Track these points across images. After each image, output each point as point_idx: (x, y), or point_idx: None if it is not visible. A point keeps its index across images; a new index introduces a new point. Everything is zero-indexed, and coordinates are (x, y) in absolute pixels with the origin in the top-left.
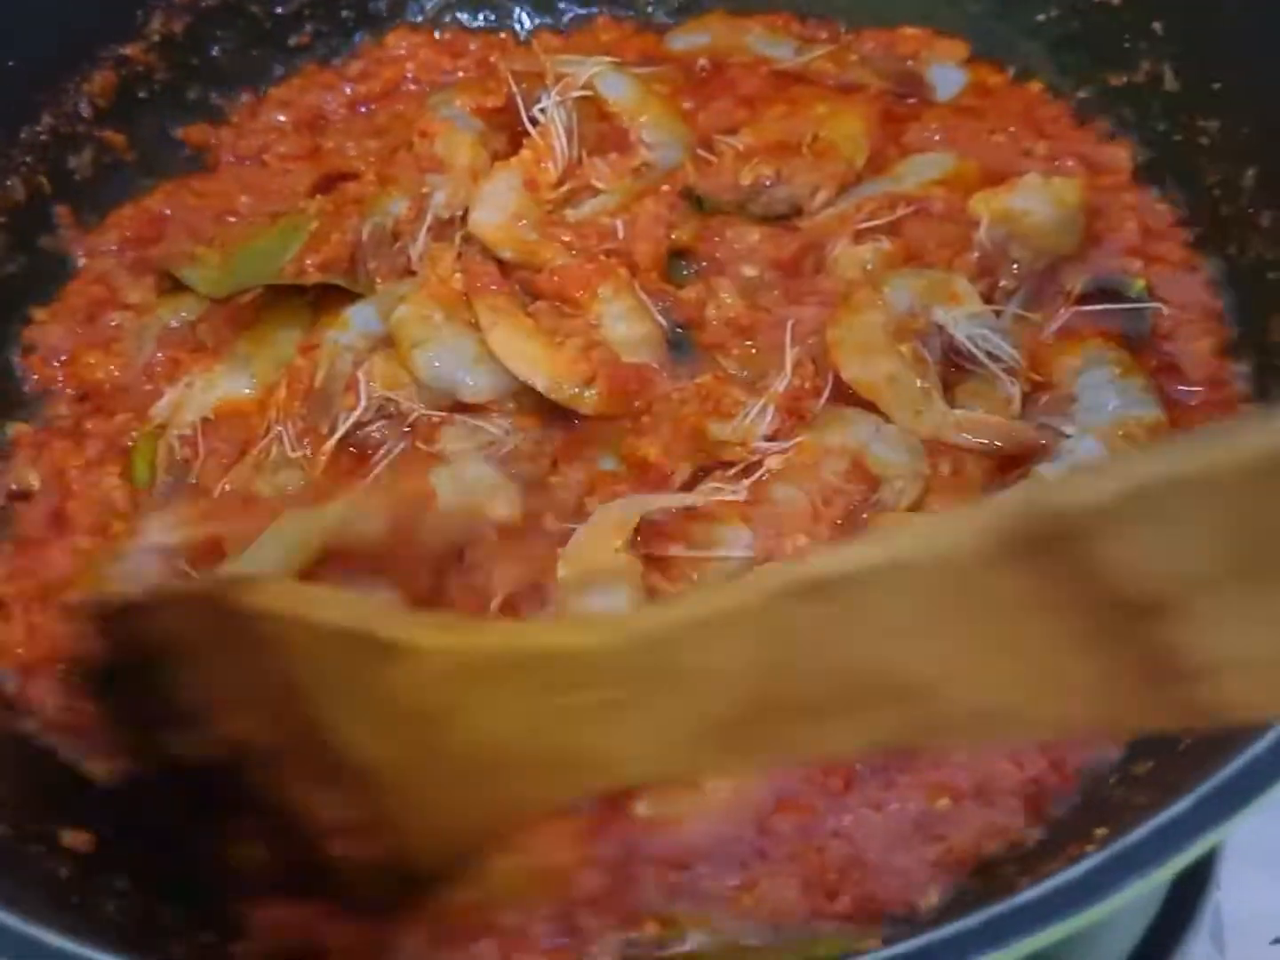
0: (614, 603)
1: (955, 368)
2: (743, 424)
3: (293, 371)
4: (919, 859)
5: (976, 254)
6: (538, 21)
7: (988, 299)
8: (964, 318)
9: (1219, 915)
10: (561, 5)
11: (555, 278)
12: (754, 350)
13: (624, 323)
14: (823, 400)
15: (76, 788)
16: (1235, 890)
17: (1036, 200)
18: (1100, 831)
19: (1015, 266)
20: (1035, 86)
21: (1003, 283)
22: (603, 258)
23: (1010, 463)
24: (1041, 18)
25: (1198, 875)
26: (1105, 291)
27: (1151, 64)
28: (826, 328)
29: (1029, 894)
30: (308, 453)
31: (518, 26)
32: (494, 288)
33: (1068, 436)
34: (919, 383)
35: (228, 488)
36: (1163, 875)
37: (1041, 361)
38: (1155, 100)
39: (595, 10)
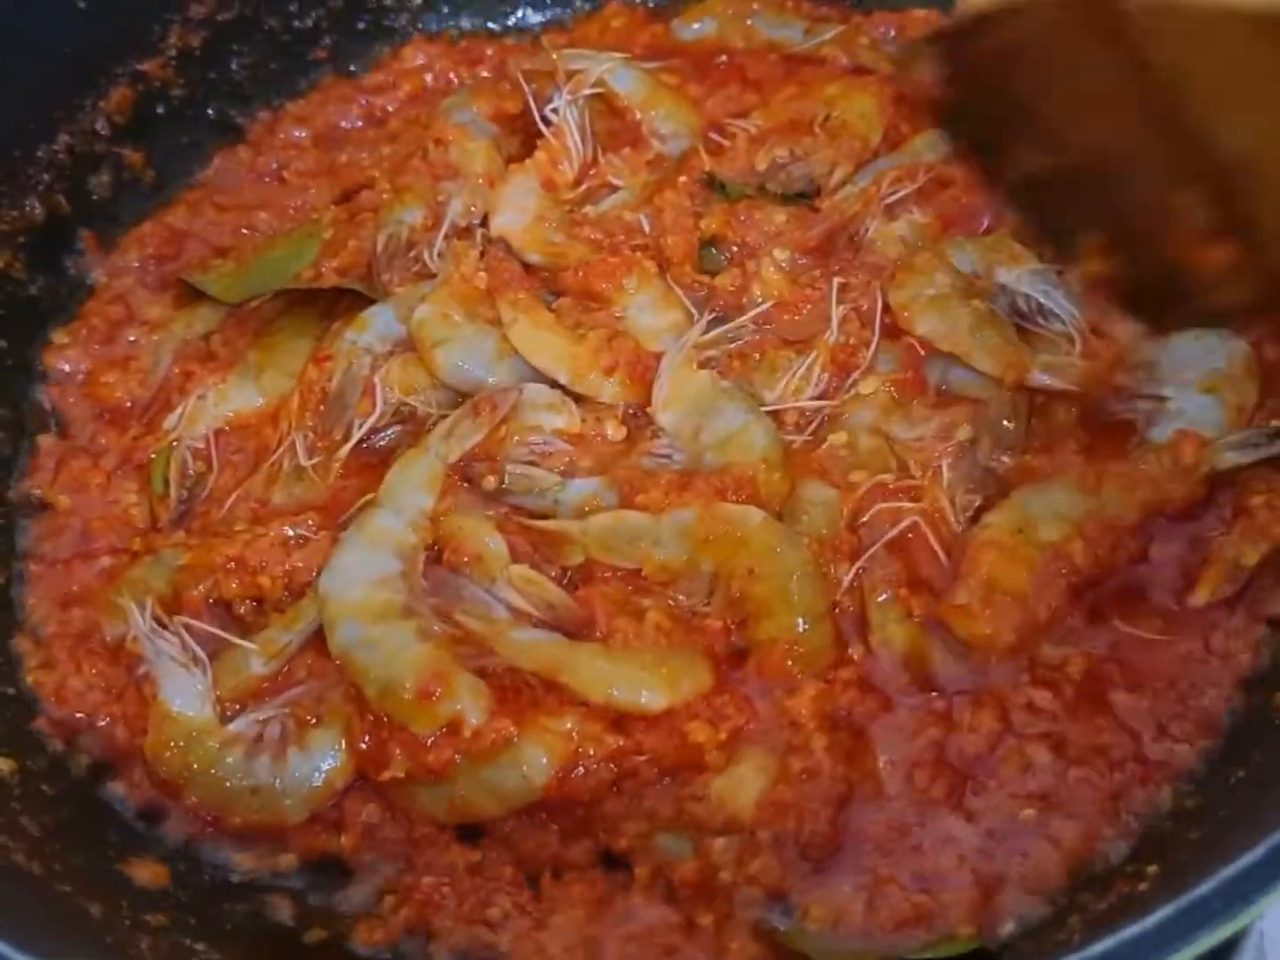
0: None
1: (1019, 328)
2: (791, 380)
3: (305, 382)
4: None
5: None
6: (550, 15)
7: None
8: (1026, 276)
9: (1262, 942)
10: None
11: (580, 274)
12: (798, 319)
13: (649, 312)
14: (872, 351)
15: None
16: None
17: None
18: (1151, 869)
19: None
20: None
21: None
22: (628, 251)
23: (1098, 424)
24: None
25: None
26: None
27: None
28: (886, 290)
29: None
30: (322, 460)
31: (529, 22)
32: (516, 284)
33: (1167, 399)
34: (1002, 330)
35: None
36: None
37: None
38: None
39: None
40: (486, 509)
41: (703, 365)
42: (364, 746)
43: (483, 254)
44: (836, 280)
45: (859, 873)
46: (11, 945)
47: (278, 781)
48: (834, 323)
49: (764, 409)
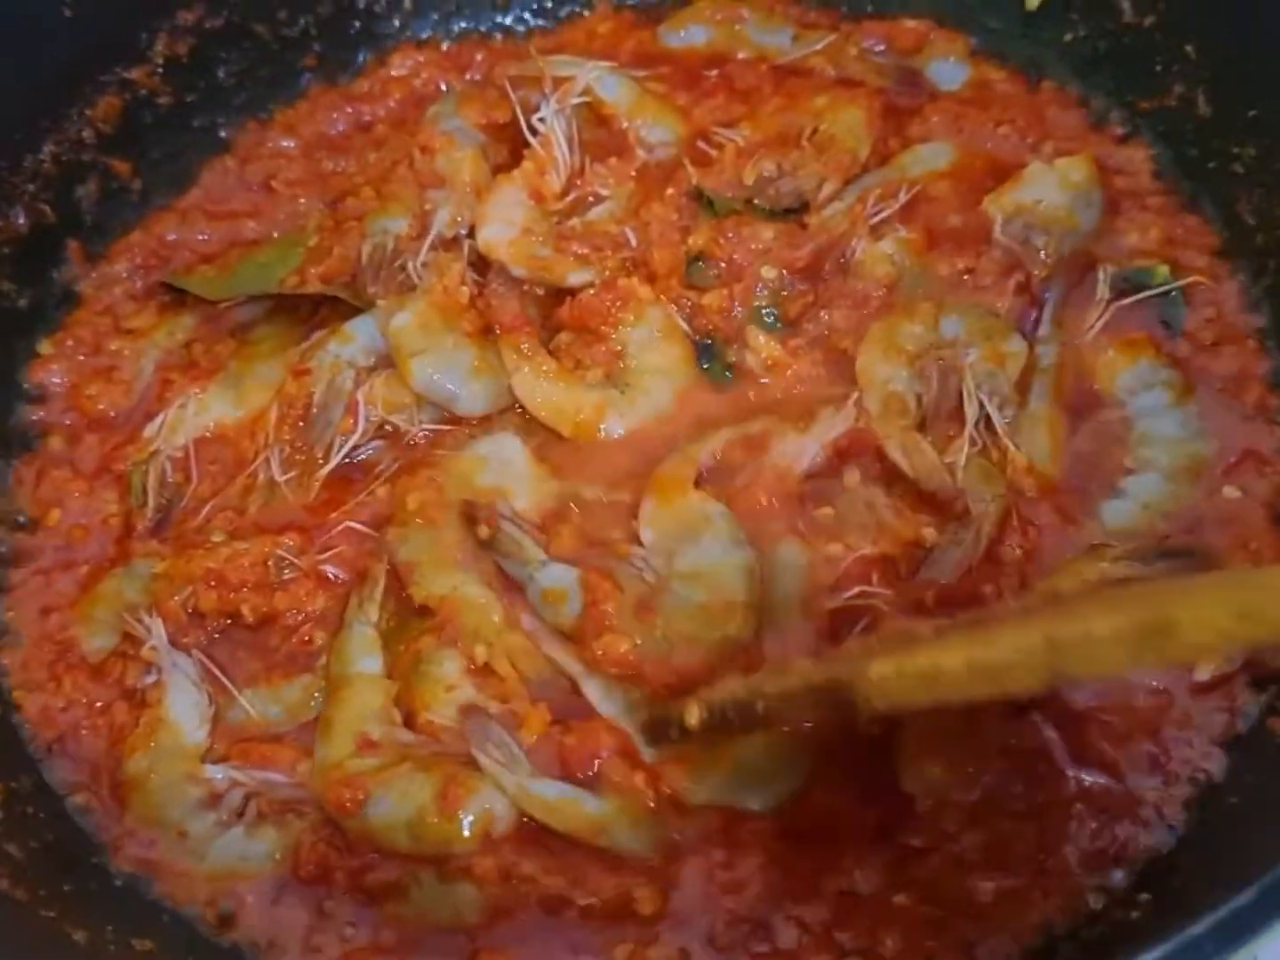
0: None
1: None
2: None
3: (283, 396)
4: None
5: (998, 252)
6: (538, 20)
7: (1024, 290)
8: (985, 377)
9: None
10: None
11: (574, 311)
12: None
13: (653, 351)
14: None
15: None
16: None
17: (1044, 187)
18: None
19: (1043, 254)
20: (1046, 85)
21: (1035, 271)
22: (621, 281)
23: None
24: (1069, 37)
25: None
26: (1136, 287)
27: (1184, 88)
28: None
29: None
30: (298, 475)
31: (517, 27)
32: (524, 329)
33: (1130, 472)
34: (910, 400)
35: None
36: None
37: (1087, 368)
38: (1188, 125)
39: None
40: (479, 556)
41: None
42: (305, 872)
43: (474, 266)
44: (825, 314)
45: None
46: None
47: (208, 843)
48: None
49: None
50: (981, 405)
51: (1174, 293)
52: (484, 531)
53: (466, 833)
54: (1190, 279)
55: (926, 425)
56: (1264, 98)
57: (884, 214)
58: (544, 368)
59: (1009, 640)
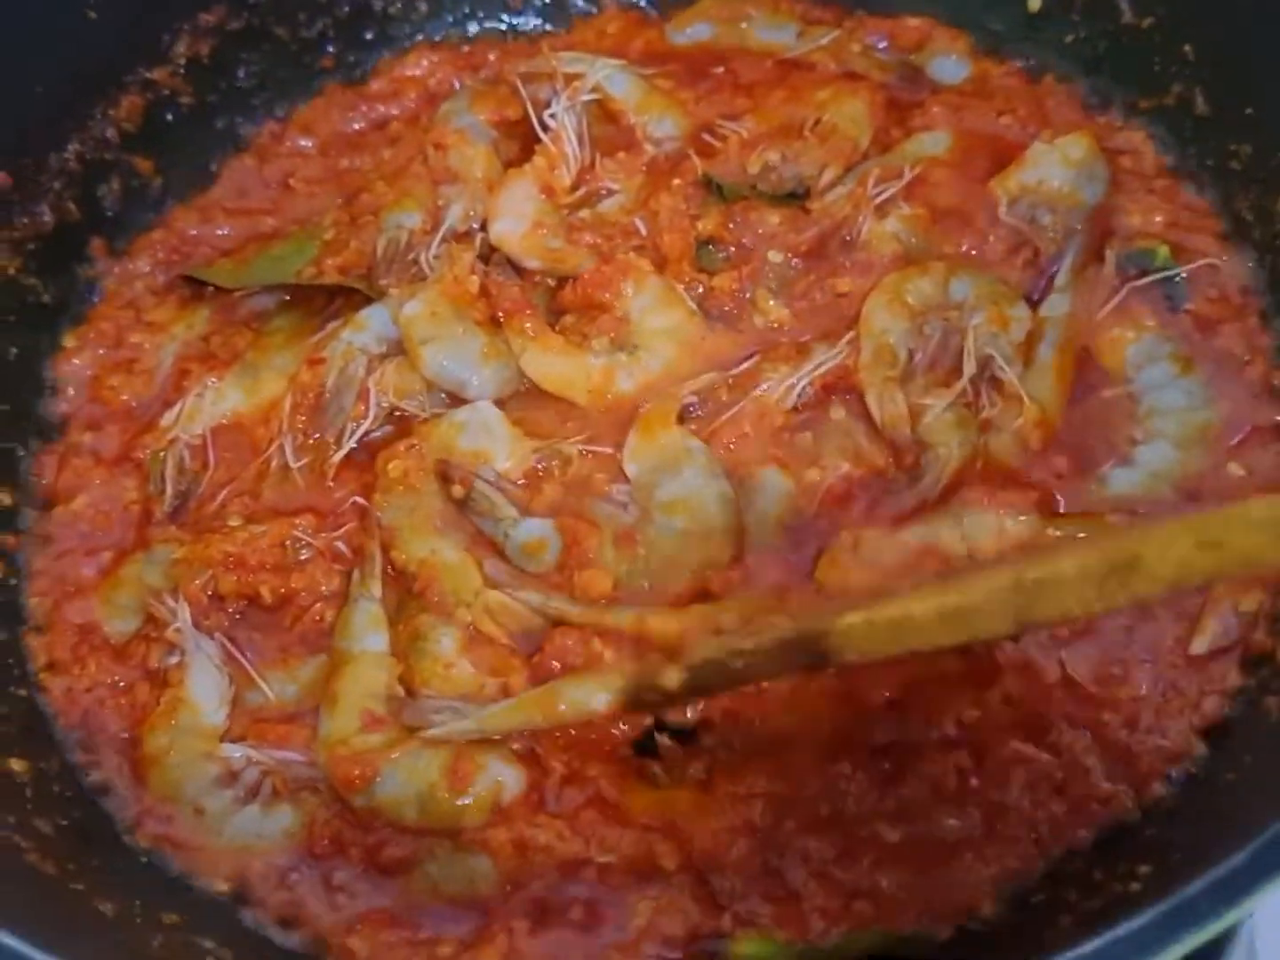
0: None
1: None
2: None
3: (298, 384)
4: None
5: (1004, 231)
6: (549, 19)
7: (1031, 266)
8: (989, 339)
9: (1253, 936)
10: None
11: (578, 288)
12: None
13: (653, 314)
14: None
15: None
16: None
17: (1047, 167)
18: (1144, 869)
19: (1050, 231)
20: (1047, 80)
21: (1043, 248)
22: (620, 255)
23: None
24: (1070, 38)
25: None
26: (1139, 268)
27: (1182, 87)
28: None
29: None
30: (311, 461)
31: (529, 26)
32: (526, 311)
33: (1139, 443)
34: (901, 353)
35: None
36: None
37: (1094, 347)
38: (1186, 123)
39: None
40: (459, 522)
41: (685, 411)
42: (319, 848)
43: (485, 259)
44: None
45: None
46: (29, 943)
47: (225, 819)
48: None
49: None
50: (983, 366)
51: (1176, 276)
52: (458, 491)
53: (477, 808)
54: (1196, 264)
55: (914, 378)
56: (1259, 97)
57: (887, 193)
58: (550, 344)
59: (978, 585)
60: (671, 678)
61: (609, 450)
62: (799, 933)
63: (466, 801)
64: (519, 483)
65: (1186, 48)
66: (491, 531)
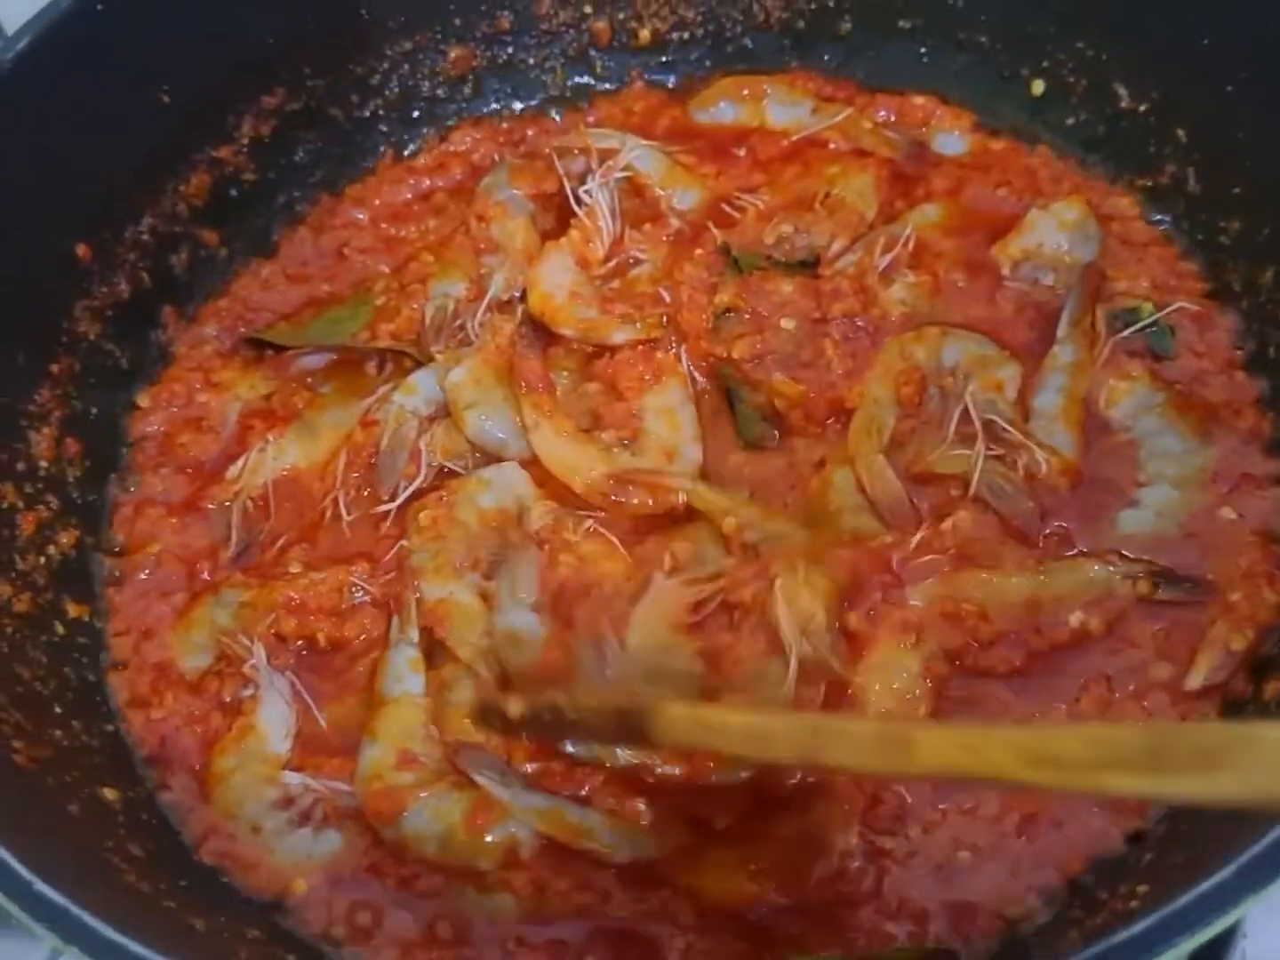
0: None
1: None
2: None
3: (352, 444)
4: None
5: (1010, 293)
6: (582, 95)
7: (1038, 324)
8: (986, 404)
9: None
10: (600, 71)
11: (609, 370)
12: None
13: (664, 423)
14: None
15: None
16: (1261, 937)
17: (1043, 231)
18: (1142, 889)
19: (1058, 289)
20: (1041, 150)
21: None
22: (659, 355)
23: None
24: (1070, 121)
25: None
26: (1127, 324)
27: (1176, 167)
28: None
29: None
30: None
31: (564, 106)
32: (543, 388)
33: (1142, 485)
34: (887, 422)
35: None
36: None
37: (1092, 399)
38: (1179, 200)
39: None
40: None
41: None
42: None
43: (519, 327)
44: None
45: None
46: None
47: (279, 839)
48: None
49: None
50: (988, 429)
51: (1162, 325)
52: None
53: (491, 852)
54: (1176, 304)
55: (908, 445)
56: (1247, 178)
57: (888, 260)
58: (561, 427)
59: (786, 718)
60: (515, 707)
61: (616, 540)
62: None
63: (482, 846)
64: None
65: (1180, 131)
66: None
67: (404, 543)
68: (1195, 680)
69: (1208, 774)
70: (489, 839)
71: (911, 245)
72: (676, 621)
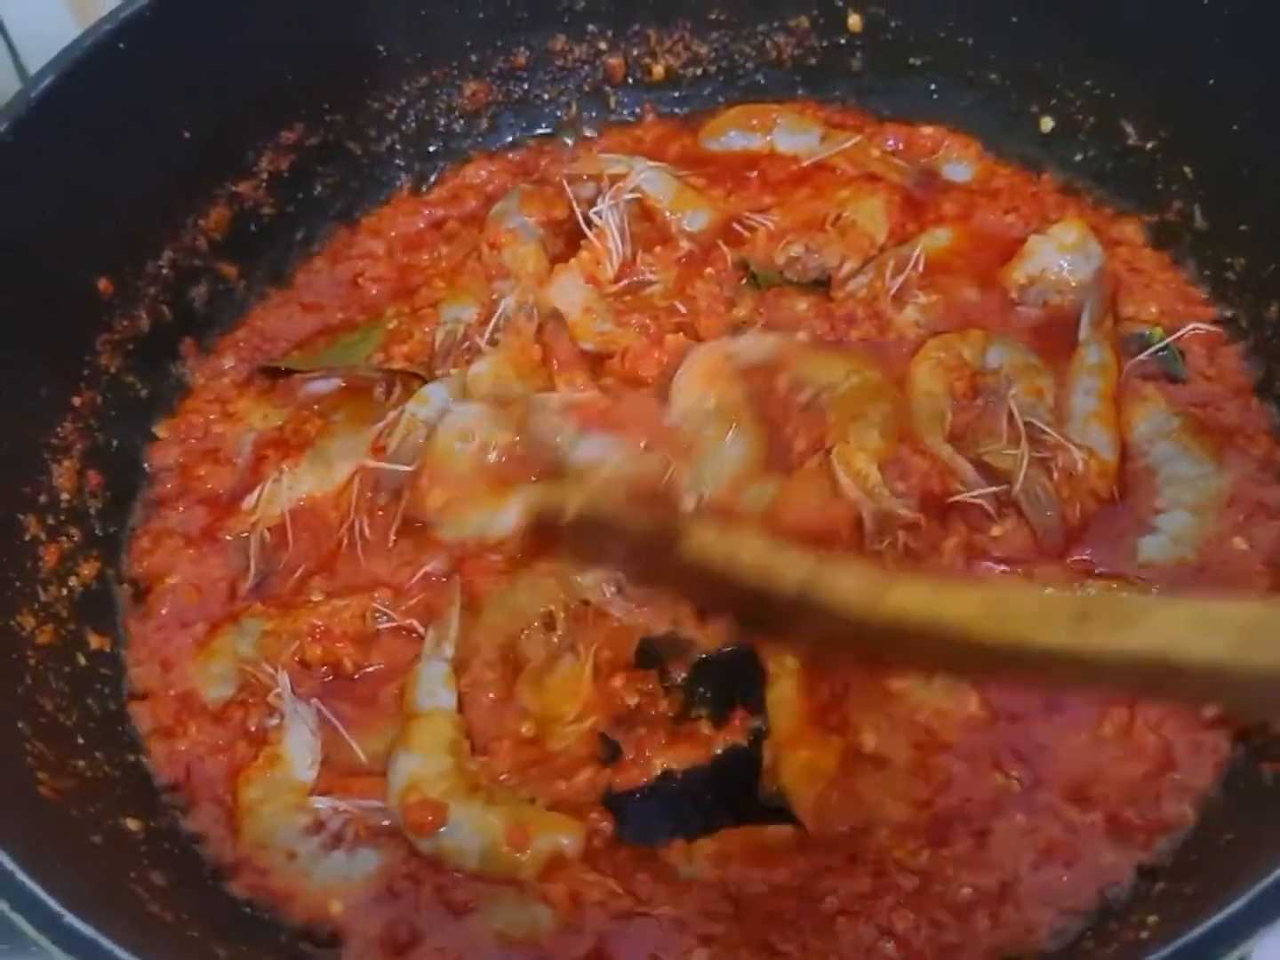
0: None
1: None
2: None
3: (364, 473)
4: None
5: (1020, 314)
6: (592, 132)
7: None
8: (1028, 407)
9: None
10: (614, 106)
11: (624, 363)
12: None
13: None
14: None
15: None
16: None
17: (1044, 255)
18: (1152, 919)
19: (1064, 308)
20: (1046, 178)
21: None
22: (669, 337)
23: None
24: (1079, 156)
25: None
26: (1139, 349)
27: (1183, 204)
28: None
29: None
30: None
31: (577, 136)
32: (575, 366)
33: (1161, 511)
34: (948, 413)
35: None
36: None
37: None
38: (1186, 237)
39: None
40: None
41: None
42: (398, 885)
43: (539, 328)
44: None
45: None
46: None
47: (315, 863)
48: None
49: None
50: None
51: (1173, 350)
52: None
53: (533, 862)
54: (1190, 327)
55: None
56: (1252, 214)
57: (900, 280)
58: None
59: (796, 554)
60: (574, 504)
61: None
62: None
63: (525, 858)
64: None
65: (1186, 168)
66: None
67: (428, 568)
68: (1210, 709)
69: (1121, 630)
70: (532, 850)
71: (921, 267)
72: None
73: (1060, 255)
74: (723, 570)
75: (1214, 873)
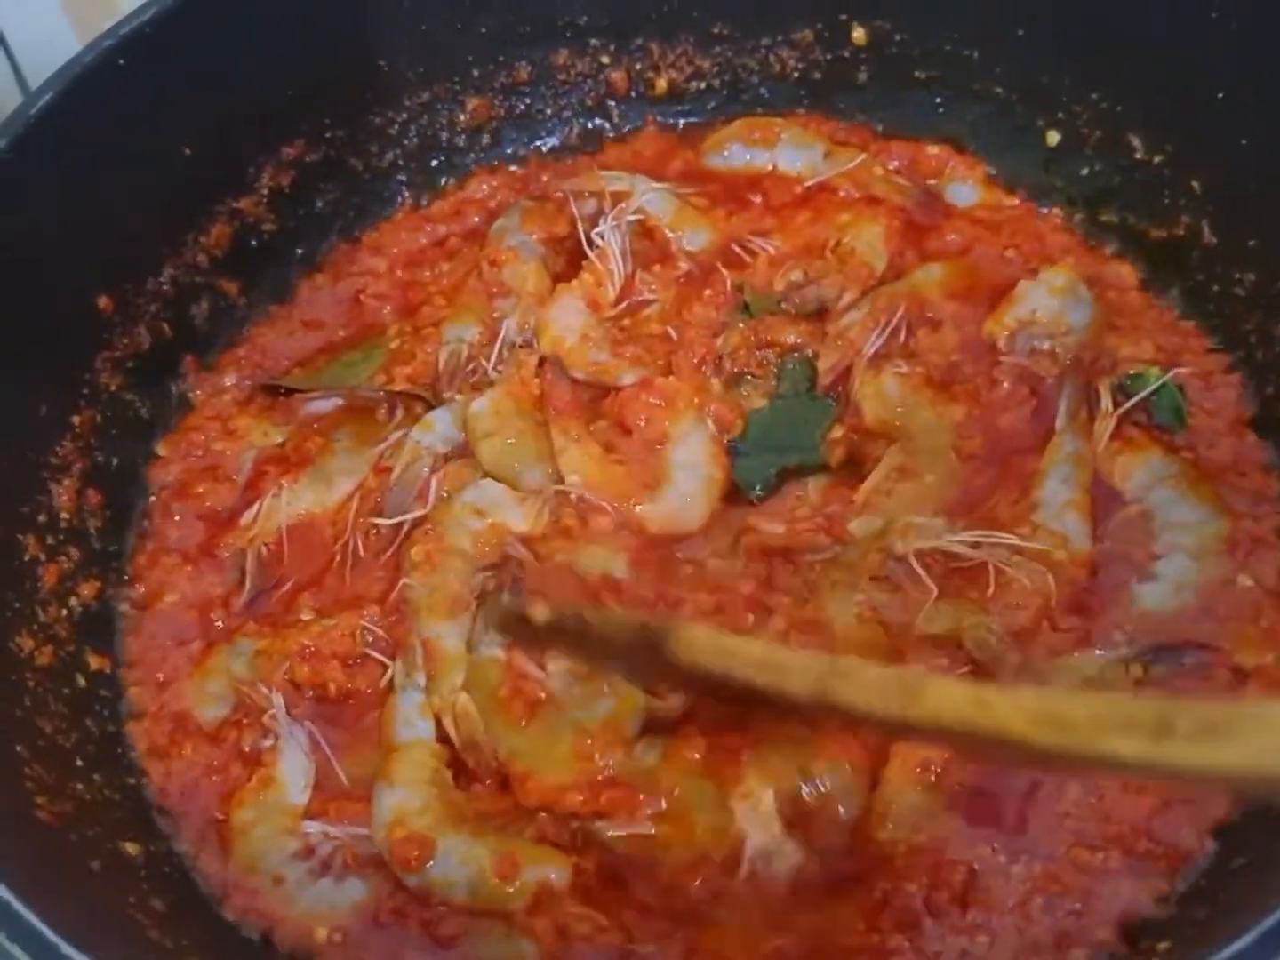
0: None
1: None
2: None
3: (365, 490)
4: None
5: (1007, 367)
6: (592, 146)
7: (1036, 395)
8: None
9: None
10: (617, 120)
11: (616, 406)
12: None
13: (684, 447)
14: None
15: None
16: None
17: (1034, 300)
18: (1163, 945)
19: (1056, 353)
20: (1052, 213)
21: (1048, 377)
22: (659, 381)
23: None
24: (1085, 171)
25: None
26: (1131, 394)
27: (1190, 219)
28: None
29: None
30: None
31: (578, 150)
32: (570, 412)
33: (1158, 558)
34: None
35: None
36: None
37: (1104, 472)
38: (1194, 252)
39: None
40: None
41: None
42: (384, 917)
43: (540, 364)
44: None
45: None
46: None
47: (301, 889)
48: None
49: None
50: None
51: (1170, 388)
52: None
53: (522, 894)
54: (1180, 369)
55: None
56: (1261, 229)
57: (883, 336)
58: (589, 451)
59: (803, 654)
60: (540, 612)
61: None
62: None
63: (513, 891)
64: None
65: (1194, 183)
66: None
67: (405, 581)
68: None
69: (1210, 744)
70: (520, 882)
71: (903, 334)
72: None
73: (1051, 299)
74: (720, 671)
75: (1226, 898)
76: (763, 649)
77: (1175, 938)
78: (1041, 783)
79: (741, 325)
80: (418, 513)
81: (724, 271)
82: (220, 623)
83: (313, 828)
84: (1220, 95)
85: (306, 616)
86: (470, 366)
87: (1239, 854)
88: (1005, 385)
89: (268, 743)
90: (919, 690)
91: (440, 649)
